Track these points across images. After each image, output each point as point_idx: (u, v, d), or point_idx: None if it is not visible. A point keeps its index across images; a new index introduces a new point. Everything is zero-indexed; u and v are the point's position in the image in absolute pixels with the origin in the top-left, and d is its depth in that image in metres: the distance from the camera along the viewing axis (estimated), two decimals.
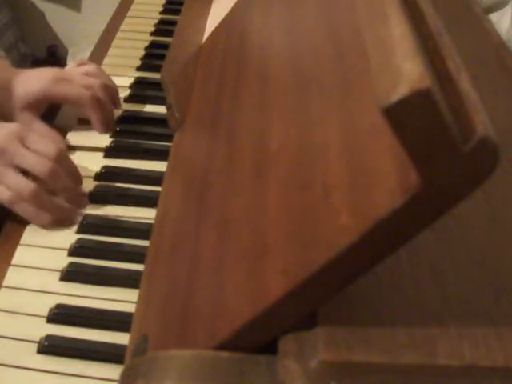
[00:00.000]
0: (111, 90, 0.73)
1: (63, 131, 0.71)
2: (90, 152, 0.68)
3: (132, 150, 0.69)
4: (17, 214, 0.59)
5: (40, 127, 0.67)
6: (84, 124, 0.72)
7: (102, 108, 0.70)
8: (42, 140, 0.61)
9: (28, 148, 0.60)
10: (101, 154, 0.69)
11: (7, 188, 0.58)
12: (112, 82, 0.75)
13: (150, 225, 0.56)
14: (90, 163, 0.66)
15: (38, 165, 0.59)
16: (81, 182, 0.63)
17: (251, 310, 0.33)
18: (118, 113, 0.74)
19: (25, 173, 0.59)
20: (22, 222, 0.60)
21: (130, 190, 0.64)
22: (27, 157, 0.59)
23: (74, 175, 0.63)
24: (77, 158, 0.67)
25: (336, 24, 0.40)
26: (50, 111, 0.72)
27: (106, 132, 0.71)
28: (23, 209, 0.58)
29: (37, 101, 0.68)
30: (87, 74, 0.71)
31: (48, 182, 0.59)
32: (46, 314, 0.52)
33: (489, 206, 0.39)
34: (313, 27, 0.44)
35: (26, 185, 0.58)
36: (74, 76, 0.70)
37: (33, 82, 0.68)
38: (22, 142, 0.60)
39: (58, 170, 0.60)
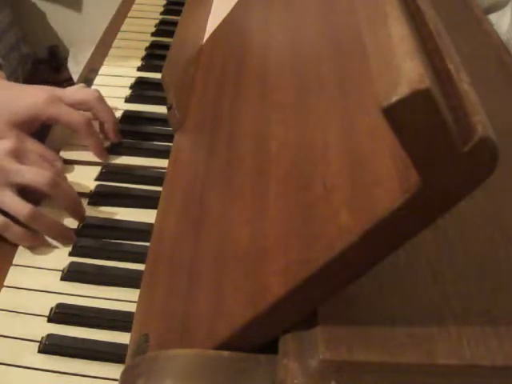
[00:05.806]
0: (108, 120, 0.68)
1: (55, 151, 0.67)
2: (91, 152, 0.68)
3: (133, 150, 0.69)
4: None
5: (36, 146, 0.63)
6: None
7: (97, 134, 0.67)
8: (37, 157, 0.59)
9: (24, 164, 0.58)
10: None
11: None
12: (110, 110, 0.69)
13: (151, 225, 0.56)
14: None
15: (38, 176, 0.57)
16: (78, 198, 0.61)
17: (251, 310, 0.33)
18: (119, 113, 0.74)
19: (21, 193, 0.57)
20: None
21: (130, 190, 0.64)
22: (24, 171, 0.57)
23: (73, 189, 0.61)
24: (78, 157, 0.67)
25: (336, 24, 0.40)
26: (42, 131, 0.68)
27: (105, 159, 0.67)
28: (13, 234, 0.57)
29: (29, 120, 0.63)
30: (84, 101, 0.66)
31: (49, 191, 0.57)
32: (47, 313, 0.52)
33: (488, 205, 0.39)
34: (313, 27, 0.44)
35: (23, 206, 0.56)
36: (70, 98, 0.65)
37: (26, 99, 0.64)
38: (17, 158, 0.58)
39: (57, 179, 0.58)
